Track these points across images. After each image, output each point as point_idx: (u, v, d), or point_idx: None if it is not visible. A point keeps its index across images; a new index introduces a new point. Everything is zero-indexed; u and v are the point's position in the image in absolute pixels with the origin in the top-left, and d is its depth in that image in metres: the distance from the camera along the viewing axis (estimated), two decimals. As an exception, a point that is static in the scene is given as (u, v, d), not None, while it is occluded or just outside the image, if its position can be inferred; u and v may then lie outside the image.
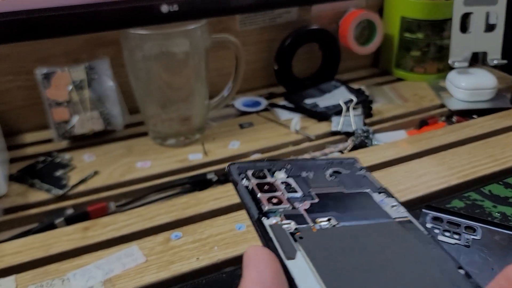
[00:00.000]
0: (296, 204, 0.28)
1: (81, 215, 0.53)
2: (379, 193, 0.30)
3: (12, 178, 0.59)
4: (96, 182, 0.59)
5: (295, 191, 0.30)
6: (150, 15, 0.59)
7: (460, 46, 0.78)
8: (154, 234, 0.49)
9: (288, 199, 0.29)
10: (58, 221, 0.52)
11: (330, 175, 0.31)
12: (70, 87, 0.63)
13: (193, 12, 0.61)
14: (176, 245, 0.47)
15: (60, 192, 0.56)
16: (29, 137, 0.70)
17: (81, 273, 0.44)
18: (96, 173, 0.60)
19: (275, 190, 0.29)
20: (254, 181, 0.30)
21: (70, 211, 0.53)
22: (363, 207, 0.29)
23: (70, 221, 0.52)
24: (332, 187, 0.30)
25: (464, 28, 0.78)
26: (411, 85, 0.85)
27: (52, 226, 0.51)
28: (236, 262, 0.45)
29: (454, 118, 0.74)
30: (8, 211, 0.54)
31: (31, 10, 0.54)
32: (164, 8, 0.59)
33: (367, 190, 0.30)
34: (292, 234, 0.26)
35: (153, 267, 0.44)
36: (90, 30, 0.62)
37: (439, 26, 0.83)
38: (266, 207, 0.28)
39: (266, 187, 0.29)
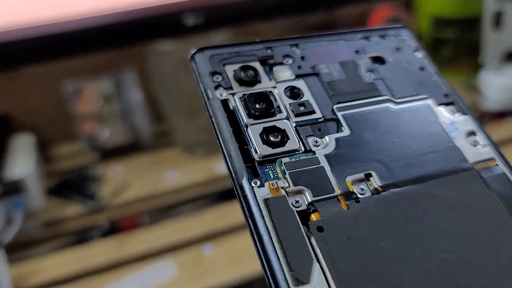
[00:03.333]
0: (312, 143, 0.19)
1: (115, 228, 0.57)
2: (446, 104, 0.22)
3: (49, 192, 0.64)
4: (128, 195, 0.63)
5: (310, 110, 0.20)
6: (177, 28, 0.64)
7: (493, 44, 0.80)
8: (186, 246, 0.53)
9: (298, 130, 0.20)
10: (94, 234, 0.57)
11: (368, 70, 0.23)
12: (100, 100, 0.68)
13: (218, 22, 0.65)
14: (208, 258, 0.51)
15: (95, 205, 0.61)
16: (61, 150, 0.75)
17: (119, 286, 0.49)
18: (127, 185, 0.65)
19: (272, 111, 0.20)
20: (237, 90, 0.21)
21: (105, 224, 0.58)
22: (422, 139, 0.20)
23: (105, 234, 0.57)
24: (371, 98, 0.21)
25: (497, 25, 0.80)
26: (442, 84, 0.87)
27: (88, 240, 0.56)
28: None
29: (488, 120, 0.76)
30: (46, 224, 0.60)
31: (60, 32, 0.59)
32: (190, 21, 0.63)
33: (427, 101, 0.22)
34: (304, 216, 0.17)
35: (187, 280, 0.49)
36: (118, 45, 0.67)
37: (472, 23, 0.84)
38: (258, 151, 0.19)
39: (258, 104, 0.20)
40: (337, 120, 0.20)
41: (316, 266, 0.16)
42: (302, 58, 0.22)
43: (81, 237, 0.57)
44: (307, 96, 0.21)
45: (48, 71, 0.71)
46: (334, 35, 0.23)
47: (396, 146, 0.20)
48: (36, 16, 0.61)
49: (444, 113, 0.21)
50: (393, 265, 0.16)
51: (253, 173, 0.18)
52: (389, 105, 0.21)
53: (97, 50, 0.68)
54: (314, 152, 0.19)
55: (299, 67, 0.22)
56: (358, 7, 0.85)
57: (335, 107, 0.21)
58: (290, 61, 0.22)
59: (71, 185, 0.65)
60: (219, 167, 0.68)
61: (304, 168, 0.18)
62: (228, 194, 0.62)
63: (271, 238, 0.17)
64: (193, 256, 0.52)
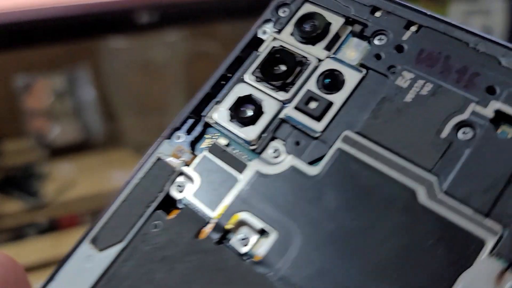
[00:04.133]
0: (271, 149, 0.15)
1: (54, 226, 0.57)
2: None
3: (-11, 188, 0.63)
4: (72, 194, 0.62)
5: (316, 115, 0.15)
6: (131, 25, 0.63)
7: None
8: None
9: (276, 124, 0.16)
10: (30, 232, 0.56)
11: (468, 124, 0.14)
12: (51, 97, 0.67)
13: (173, 21, 0.65)
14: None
15: (36, 202, 0.60)
16: (8, 146, 0.74)
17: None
18: (73, 184, 0.64)
19: (278, 84, 0.16)
20: (282, 37, 0.17)
21: (43, 222, 0.57)
22: (401, 273, 0.13)
23: (43, 231, 0.56)
24: (409, 162, 0.14)
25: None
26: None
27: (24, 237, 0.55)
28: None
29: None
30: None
31: (8, 22, 0.58)
32: (144, 18, 0.63)
33: (490, 235, 0.13)
34: (170, 203, 0.16)
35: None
36: (71, 39, 0.66)
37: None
38: (215, 113, 0.16)
39: (277, 66, 0.17)
40: (327, 149, 0.15)
41: (117, 248, 0.15)
42: (399, 48, 0.15)
43: (18, 234, 0.56)
44: (340, 97, 0.15)
45: (-1, 64, 0.70)
46: (495, 43, 0.15)
47: (349, 246, 0.13)
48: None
49: (490, 264, 0.12)
50: None
51: (189, 128, 0.16)
52: (422, 191, 0.14)
53: (50, 44, 0.67)
54: (260, 158, 0.15)
55: (377, 56, 0.16)
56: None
57: (346, 133, 0.15)
58: (381, 42, 0.16)
59: (14, 182, 0.64)
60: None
61: (220, 164, 0.16)
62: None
63: (122, 193, 0.16)
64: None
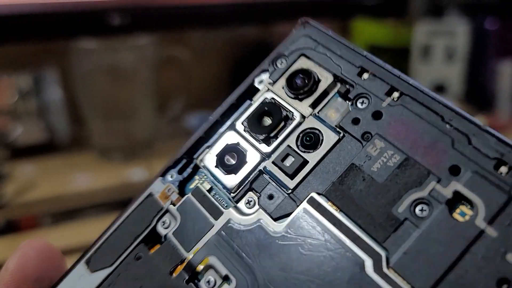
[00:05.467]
0: (246, 199, 0.17)
1: (12, 227, 0.56)
2: None
3: None
4: (33, 195, 0.62)
5: (289, 173, 0.17)
6: (101, 26, 0.64)
7: (421, 75, 0.84)
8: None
9: (254, 176, 0.17)
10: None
11: (425, 201, 0.15)
12: (15, 96, 0.67)
13: (145, 25, 0.66)
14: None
15: (-6, 203, 0.59)
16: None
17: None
18: (34, 185, 0.63)
19: (262, 137, 0.18)
20: (275, 89, 0.18)
21: (1, 223, 0.57)
22: None
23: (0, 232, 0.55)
24: (361, 231, 0.15)
25: (425, 57, 0.84)
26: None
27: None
28: None
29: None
30: None
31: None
32: (116, 20, 0.64)
33: None
34: (153, 237, 0.17)
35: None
36: (40, 37, 0.66)
37: (404, 53, 0.88)
38: (204, 157, 0.18)
39: (264, 118, 0.18)
40: (294, 207, 0.16)
41: (105, 272, 0.17)
42: (377, 115, 0.16)
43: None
44: (315, 156, 0.16)
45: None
46: (468, 121, 0.15)
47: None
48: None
49: None
50: None
51: (181, 168, 0.18)
52: (369, 262, 0.14)
53: (17, 42, 0.67)
54: (235, 207, 0.17)
55: (355, 121, 0.16)
56: (293, 26, 0.87)
57: (312, 195, 0.16)
58: (362, 105, 0.17)
59: (-28, 181, 0.63)
60: (135, 174, 0.67)
61: (200, 207, 0.17)
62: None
63: (116, 221, 0.18)
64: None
